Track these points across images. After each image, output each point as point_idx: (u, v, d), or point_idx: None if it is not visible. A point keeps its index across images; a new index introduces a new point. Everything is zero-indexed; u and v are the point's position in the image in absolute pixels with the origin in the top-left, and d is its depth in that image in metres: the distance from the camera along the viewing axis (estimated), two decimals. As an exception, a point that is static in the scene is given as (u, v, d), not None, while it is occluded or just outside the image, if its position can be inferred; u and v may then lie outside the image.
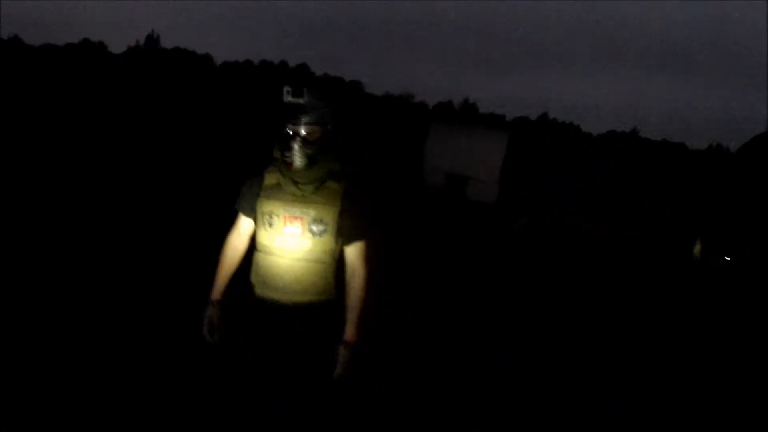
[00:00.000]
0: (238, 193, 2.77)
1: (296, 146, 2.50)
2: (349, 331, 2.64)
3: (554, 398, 4.47)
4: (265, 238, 2.63)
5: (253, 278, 2.68)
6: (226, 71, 74.86)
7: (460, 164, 19.21)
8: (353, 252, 2.65)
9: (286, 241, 2.58)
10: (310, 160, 2.52)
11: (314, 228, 2.57)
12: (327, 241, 2.59)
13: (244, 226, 2.77)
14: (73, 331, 4.21)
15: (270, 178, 2.64)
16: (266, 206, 2.61)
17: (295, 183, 2.57)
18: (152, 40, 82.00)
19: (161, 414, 3.43)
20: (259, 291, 2.66)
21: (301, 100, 2.52)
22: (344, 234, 2.61)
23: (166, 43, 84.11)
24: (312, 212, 2.57)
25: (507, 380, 4.61)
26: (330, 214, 2.58)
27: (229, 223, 2.81)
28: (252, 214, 2.69)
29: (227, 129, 22.89)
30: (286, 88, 2.51)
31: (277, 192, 2.60)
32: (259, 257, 2.65)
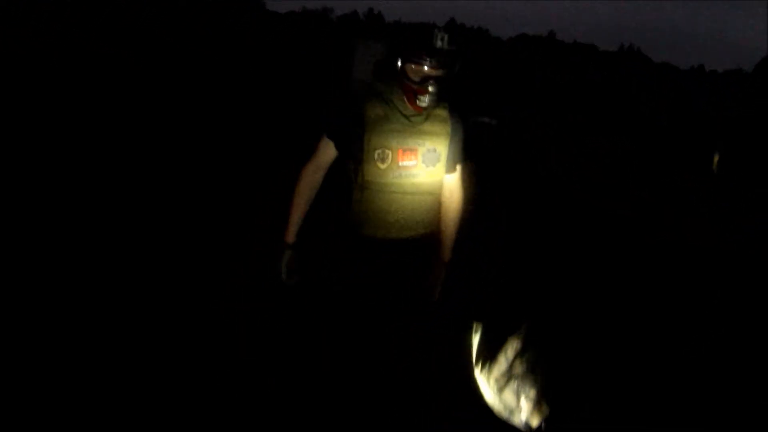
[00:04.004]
0: (324, 120, 2.57)
1: (432, 90, 2.39)
2: (446, 251, 2.71)
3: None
4: (375, 174, 2.46)
5: (357, 218, 2.52)
6: None
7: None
8: (452, 176, 2.66)
9: (400, 175, 2.47)
10: (436, 102, 2.46)
11: (428, 158, 2.50)
12: (439, 171, 2.54)
13: (326, 158, 2.56)
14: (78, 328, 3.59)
15: (372, 110, 2.46)
16: (377, 140, 2.44)
17: (405, 116, 2.47)
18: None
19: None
20: (366, 231, 2.51)
21: (453, 47, 2.39)
22: (448, 160, 2.59)
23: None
24: (426, 143, 2.49)
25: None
26: (442, 143, 2.53)
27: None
28: (348, 146, 2.50)
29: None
30: (440, 34, 2.35)
31: (385, 124, 2.45)
32: (368, 195, 2.48)
